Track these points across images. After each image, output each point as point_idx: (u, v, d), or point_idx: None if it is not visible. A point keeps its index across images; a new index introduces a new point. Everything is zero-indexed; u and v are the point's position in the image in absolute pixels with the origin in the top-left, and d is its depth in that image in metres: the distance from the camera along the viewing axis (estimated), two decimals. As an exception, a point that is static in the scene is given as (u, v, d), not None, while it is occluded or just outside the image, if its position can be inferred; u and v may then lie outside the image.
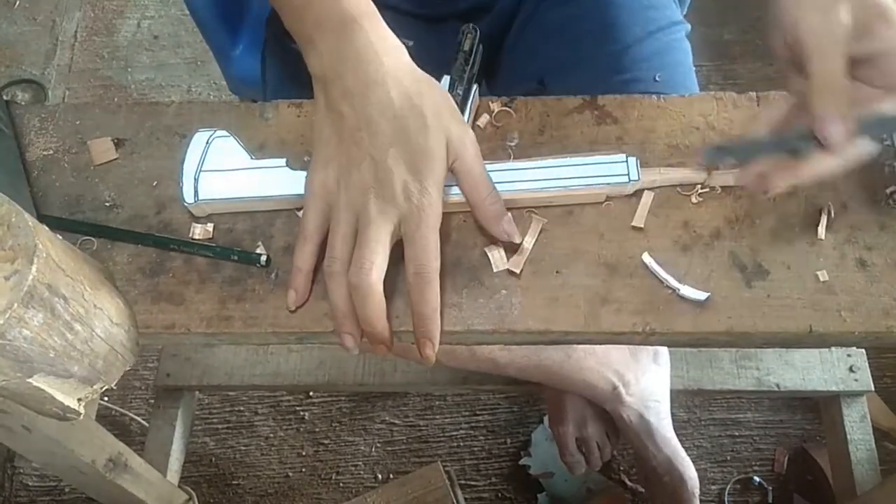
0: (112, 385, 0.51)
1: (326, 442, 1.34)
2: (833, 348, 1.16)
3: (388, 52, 0.53)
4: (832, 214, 0.57)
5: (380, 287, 0.50)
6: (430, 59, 0.83)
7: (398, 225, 0.51)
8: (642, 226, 0.57)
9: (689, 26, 0.85)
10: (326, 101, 0.54)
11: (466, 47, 0.61)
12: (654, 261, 0.56)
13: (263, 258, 0.56)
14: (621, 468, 1.27)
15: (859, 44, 0.48)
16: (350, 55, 0.52)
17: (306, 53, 0.55)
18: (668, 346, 1.05)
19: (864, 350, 1.15)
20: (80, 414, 0.49)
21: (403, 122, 0.51)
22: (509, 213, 0.55)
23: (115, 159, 0.62)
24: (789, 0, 0.50)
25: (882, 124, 0.50)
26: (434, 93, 0.53)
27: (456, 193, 0.56)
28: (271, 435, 1.35)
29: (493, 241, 0.57)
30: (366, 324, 0.52)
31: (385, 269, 0.51)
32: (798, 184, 0.52)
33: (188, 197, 0.58)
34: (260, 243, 0.58)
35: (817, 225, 0.57)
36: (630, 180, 0.57)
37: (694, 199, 0.58)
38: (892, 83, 0.49)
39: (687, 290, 0.54)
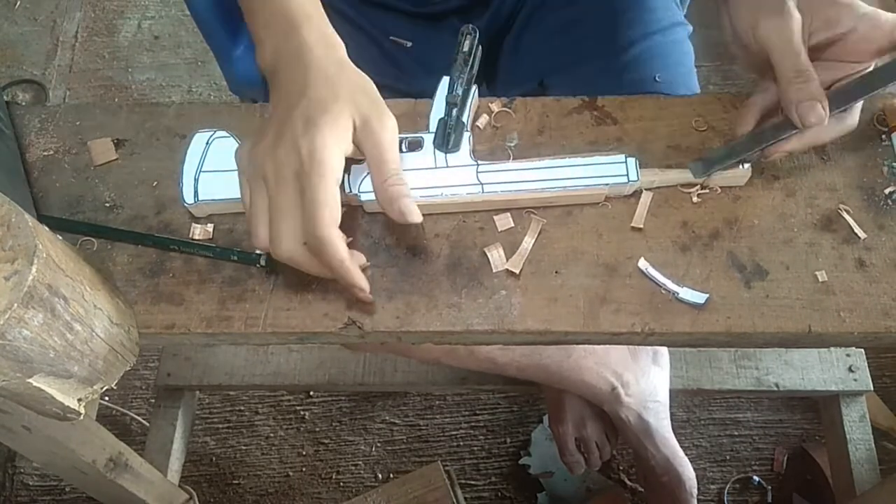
0: (112, 385, 0.52)
1: (327, 441, 1.34)
2: (832, 348, 1.16)
3: (322, 46, 0.55)
4: (832, 215, 0.58)
5: (298, 252, 0.51)
6: (430, 59, 0.84)
7: (299, 183, 0.50)
8: (641, 226, 0.58)
9: (690, 27, 0.86)
10: (269, 96, 0.56)
11: (466, 48, 0.61)
12: (650, 266, 0.56)
13: (263, 258, 0.56)
14: (620, 468, 1.27)
15: (826, 31, 0.53)
16: (285, 53, 0.55)
17: (257, 53, 0.58)
18: (667, 346, 1.06)
19: (863, 350, 1.15)
20: (80, 414, 0.50)
21: (313, 94, 0.52)
22: (409, 197, 0.53)
23: (116, 160, 0.62)
24: (742, 8, 0.55)
25: (848, 93, 0.54)
26: (357, 78, 0.55)
27: (438, 196, 0.56)
28: (272, 434, 1.35)
29: (493, 241, 0.57)
30: (323, 276, 0.53)
31: (300, 229, 0.50)
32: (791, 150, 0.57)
33: (188, 197, 0.58)
34: (260, 243, 0.58)
35: (816, 225, 0.57)
36: (629, 181, 0.57)
37: (693, 199, 0.58)
38: (859, 55, 0.54)
39: (686, 294, 0.54)
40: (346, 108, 0.52)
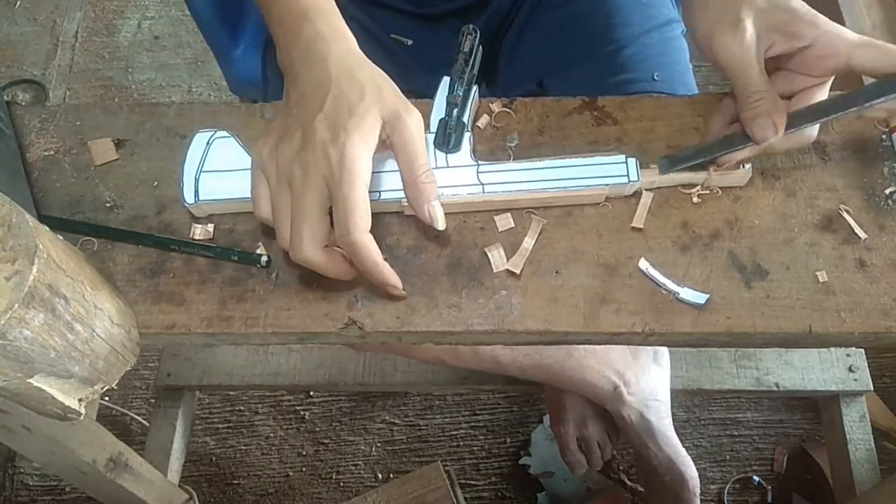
0: (112, 385, 0.52)
1: (327, 441, 1.34)
2: (832, 348, 1.16)
3: (335, 39, 0.55)
4: (832, 215, 0.58)
5: (318, 256, 0.51)
6: (430, 58, 0.84)
7: (326, 188, 0.51)
8: (642, 226, 0.58)
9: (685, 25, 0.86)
10: (283, 89, 0.56)
11: (466, 48, 0.61)
12: (650, 266, 0.56)
13: (264, 259, 0.56)
14: (621, 468, 1.27)
15: (785, 44, 0.53)
16: (300, 45, 0.55)
17: (276, 52, 0.58)
18: (668, 346, 1.06)
19: (863, 350, 1.15)
20: (80, 414, 0.50)
21: (338, 92, 0.52)
22: (439, 201, 0.54)
23: (116, 160, 0.62)
24: (702, 22, 0.55)
25: (803, 116, 0.55)
26: (377, 73, 0.54)
27: (439, 196, 0.56)
28: (272, 434, 1.35)
29: (493, 241, 0.57)
30: (340, 279, 0.54)
31: (321, 234, 0.50)
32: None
33: (188, 197, 0.58)
34: (260, 244, 0.58)
35: (816, 225, 0.57)
36: (629, 181, 0.57)
37: (694, 199, 0.59)
38: (816, 70, 0.54)
39: (686, 294, 0.54)
40: (372, 106, 0.51)
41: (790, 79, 0.56)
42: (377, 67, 0.55)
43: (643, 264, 0.56)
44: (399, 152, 0.53)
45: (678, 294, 0.55)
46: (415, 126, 0.53)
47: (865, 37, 0.52)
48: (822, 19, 0.53)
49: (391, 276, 0.53)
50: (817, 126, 0.56)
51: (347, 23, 0.57)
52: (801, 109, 0.55)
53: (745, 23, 0.53)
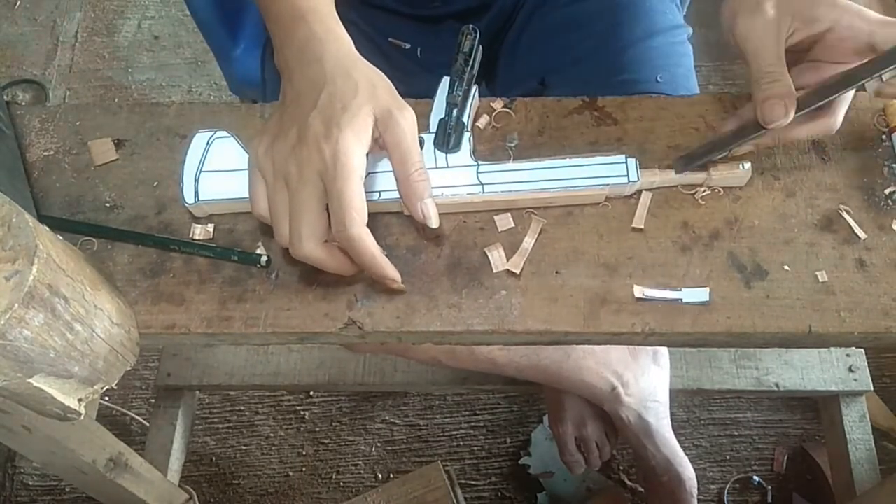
0: (112, 385, 0.51)
1: (327, 441, 1.34)
2: (832, 348, 1.16)
3: (330, 40, 0.55)
4: (832, 215, 0.58)
5: (318, 251, 0.51)
6: (430, 60, 0.84)
7: (322, 183, 0.51)
8: (642, 226, 0.58)
9: (690, 30, 0.86)
10: (280, 89, 0.56)
11: (466, 48, 0.61)
12: (646, 289, 0.55)
13: (264, 259, 0.56)
14: (621, 468, 1.27)
15: (806, 30, 0.53)
16: (294, 45, 0.55)
17: (274, 53, 0.58)
18: (668, 346, 1.06)
19: (863, 350, 1.15)
20: (80, 414, 0.50)
21: (332, 89, 0.52)
22: (432, 198, 0.54)
23: (116, 160, 0.62)
24: (727, 6, 0.55)
25: (817, 94, 0.53)
26: (373, 72, 0.54)
27: (438, 196, 0.56)
28: (272, 434, 1.35)
29: (493, 241, 0.57)
30: (342, 274, 0.54)
31: (320, 229, 0.51)
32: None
33: (188, 197, 0.58)
34: (260, 244, 0.58)
35: (816, 225, 0.57)
36: (629, 181, 0.57)
37: (695, 200, 0.58)
38: (838, 55, 0.53)
39: (687, 295, 0.54)
40: (365, 103, 0.52)
41: (815, 69, 0.55)
42: (373, 67, 0.55)
43: (638, 291, 0.55)
44: (391, 150, 0.53)
45: (681, 300, 0.54)
46: (407, 124, 0.53)
47: (888, 17, 0.51)
48: (843, 1, 0.52)
49: (389, 270, 0.53)
50: (841, 114, 0.55)
51: (345, 26, 0.57)
52: (808, 91, 0.53)
53: (765, 5, 0.53)
